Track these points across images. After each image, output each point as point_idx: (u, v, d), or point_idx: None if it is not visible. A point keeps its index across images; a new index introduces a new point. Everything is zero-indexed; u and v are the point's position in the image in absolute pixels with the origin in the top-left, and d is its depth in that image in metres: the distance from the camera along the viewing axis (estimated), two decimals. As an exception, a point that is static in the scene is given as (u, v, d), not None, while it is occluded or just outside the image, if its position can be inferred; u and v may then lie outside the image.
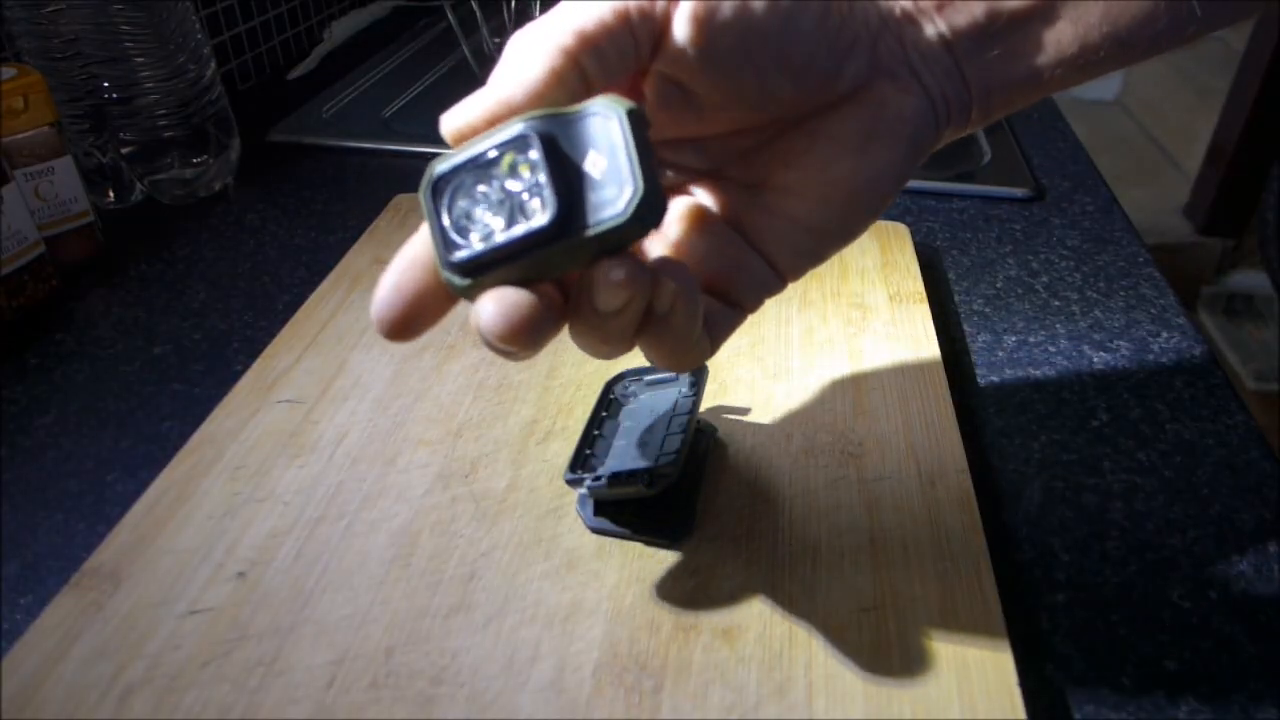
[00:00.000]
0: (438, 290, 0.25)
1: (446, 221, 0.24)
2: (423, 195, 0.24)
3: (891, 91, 0.28)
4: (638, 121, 0.23)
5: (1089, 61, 0.28)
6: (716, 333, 0.28)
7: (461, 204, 0.24)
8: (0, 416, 0.45)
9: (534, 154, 0.22)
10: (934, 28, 0.28)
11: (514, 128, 0.23)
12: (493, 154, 0.23)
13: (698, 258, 0.28)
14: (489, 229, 0.23)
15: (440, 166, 0.24)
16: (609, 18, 0.24)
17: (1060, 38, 0.28)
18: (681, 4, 0.25)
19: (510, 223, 0.23)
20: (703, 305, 0.27)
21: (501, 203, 0.23)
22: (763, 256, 0.29)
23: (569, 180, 0.23)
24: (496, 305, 0.23)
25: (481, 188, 0.23)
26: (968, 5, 0.27)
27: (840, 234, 0.29)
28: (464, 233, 0.24)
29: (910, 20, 0.28)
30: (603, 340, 0.25)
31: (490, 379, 0.44)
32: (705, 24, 0.25)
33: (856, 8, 0.27)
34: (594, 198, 0.23)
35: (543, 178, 0.22)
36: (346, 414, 0.41)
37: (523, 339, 0.23)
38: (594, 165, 0.23)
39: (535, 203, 0.23)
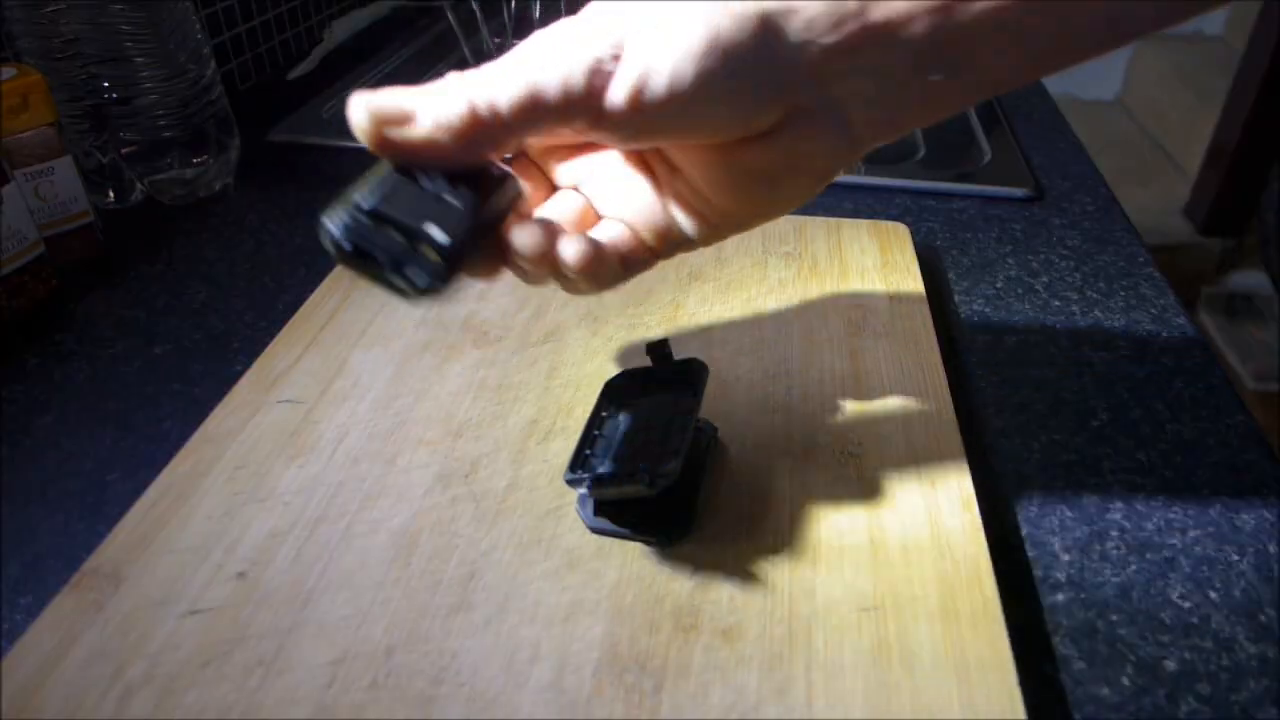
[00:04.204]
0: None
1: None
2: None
3: (806, 131, 0.29)
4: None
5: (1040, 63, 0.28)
6: (630, 270, 0.32)
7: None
8: (0, 416, 0.45)
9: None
10: (856, 63, 0.28)
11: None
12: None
13: (629, 213, 0.32)
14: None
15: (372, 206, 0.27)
16: (558, 95, 0.27)
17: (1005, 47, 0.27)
18: (616, 85, 0.27)
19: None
20: (619, 250, 0.32)
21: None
22: (680, 224, 0.32)
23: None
24: None
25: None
26: (893, 42, 0.27)
27: (748, 227, 0.33)
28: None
29: (831, 60, 0.28)
30: (526, 280, 0.31)
31: (490, 379, 0.44)
32: (636, 104, 0.27)
33: (775, 68, 0.27)
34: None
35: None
36: (346, 414, 0.41)
37: None
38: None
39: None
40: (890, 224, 0.56)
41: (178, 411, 0.45)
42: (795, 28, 0.27)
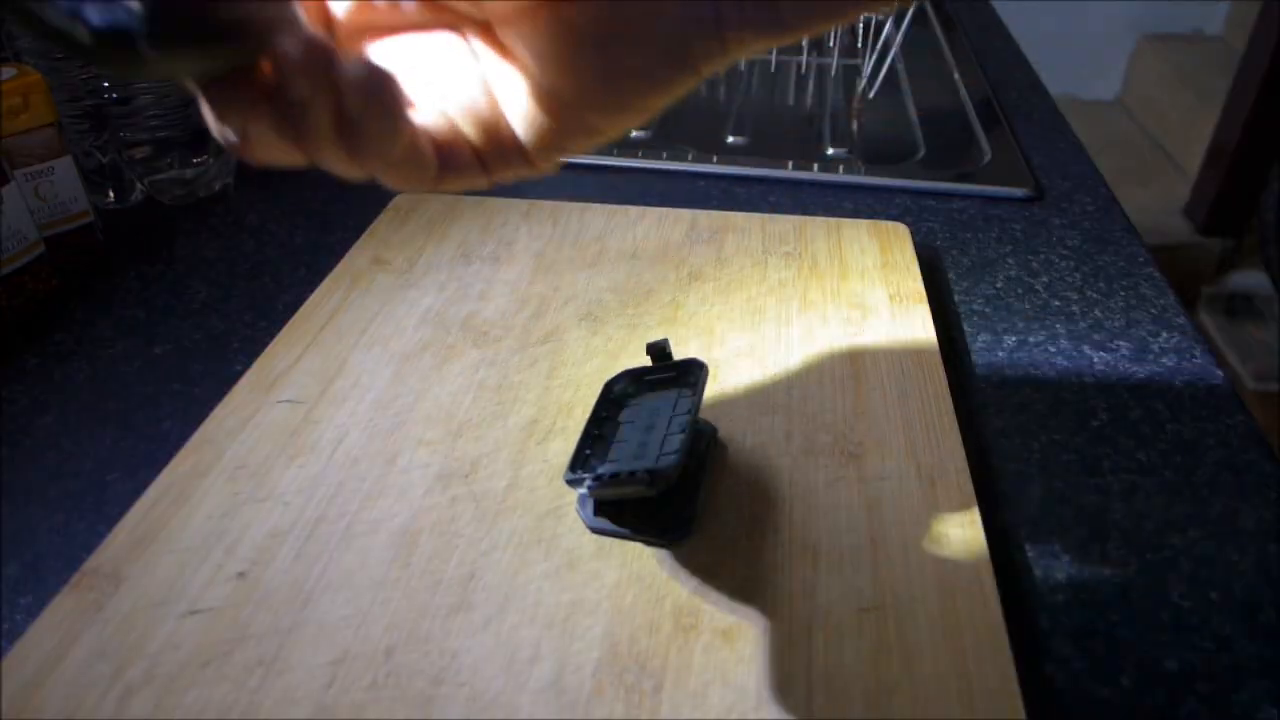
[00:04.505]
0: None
1: None
2: None
3: None
4: None
5: None
6: (450, 168, 0.27)
7: None
8: (0, 416, 0.45)
9: None
10: None
11: None
12: None
13: (448, 103, 0.27)
14: None
15: None
16: None
17: None
18: None
19: None
20: (429, 134, 0.26)
21: None
22: (508, 117, 0.27)
23: None
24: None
25: None
26: None
27: (588, 130, 0.27)
28: None
29: None
30: (300, 137, 0.24)
31: (490, 379, 0.44)
32: None
33: None
34: None
35: None
36: (346, 414, 0.41)
37: None
38: None
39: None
40: (890, 224, 0.56)
41: (178, 411, 0.45)
42: None
